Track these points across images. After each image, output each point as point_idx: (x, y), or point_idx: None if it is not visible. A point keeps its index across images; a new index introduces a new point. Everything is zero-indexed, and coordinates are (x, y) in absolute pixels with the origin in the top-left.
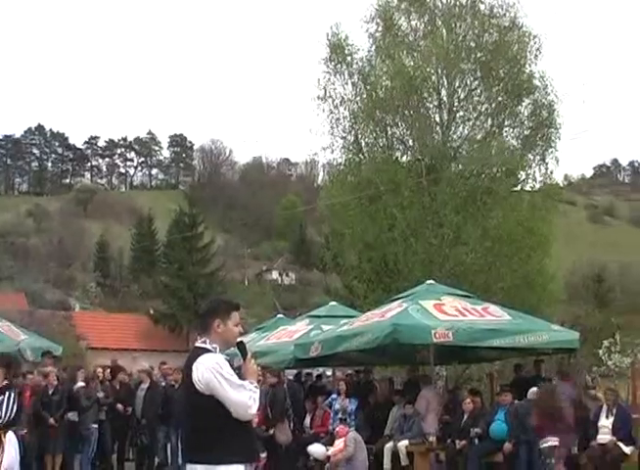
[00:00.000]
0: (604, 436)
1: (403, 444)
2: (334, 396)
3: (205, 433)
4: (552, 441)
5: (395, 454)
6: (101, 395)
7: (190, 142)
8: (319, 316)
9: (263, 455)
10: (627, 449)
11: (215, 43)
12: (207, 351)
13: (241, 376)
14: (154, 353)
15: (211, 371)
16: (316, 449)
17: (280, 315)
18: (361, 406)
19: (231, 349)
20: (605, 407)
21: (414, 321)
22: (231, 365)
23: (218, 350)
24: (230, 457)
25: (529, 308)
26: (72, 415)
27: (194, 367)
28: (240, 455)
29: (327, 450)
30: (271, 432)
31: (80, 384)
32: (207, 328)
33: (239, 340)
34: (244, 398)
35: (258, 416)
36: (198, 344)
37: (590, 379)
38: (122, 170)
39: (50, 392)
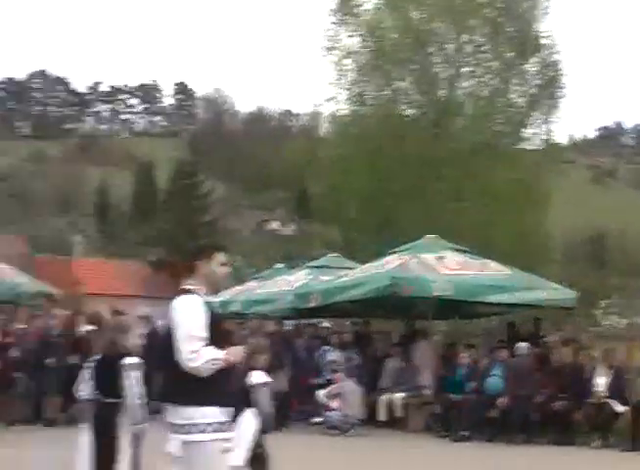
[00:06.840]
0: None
1: (399, 396)
2: (325, 347)
3: (181, 375)
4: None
5: (390, 407)
6: None
7: (193, 90)
8: (319, 267)
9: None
10: (621, 408)
11: None
12: (189, 292)
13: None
14: (152, 300)
15: (179, 311)
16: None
17: (279, 265)
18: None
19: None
20: (601, 367)
21: (414, 274)
22: (213, 314)
23: (203, 293)
24: (204, 400)
25: (525, 267)
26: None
27: (172, 308)
28: (215, 399)
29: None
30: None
31: (89, 327)
32: (192, 270)
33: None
34: (186, 348)
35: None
36: (183, 286)
37: (587, 339)
38: (124, 117)
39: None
